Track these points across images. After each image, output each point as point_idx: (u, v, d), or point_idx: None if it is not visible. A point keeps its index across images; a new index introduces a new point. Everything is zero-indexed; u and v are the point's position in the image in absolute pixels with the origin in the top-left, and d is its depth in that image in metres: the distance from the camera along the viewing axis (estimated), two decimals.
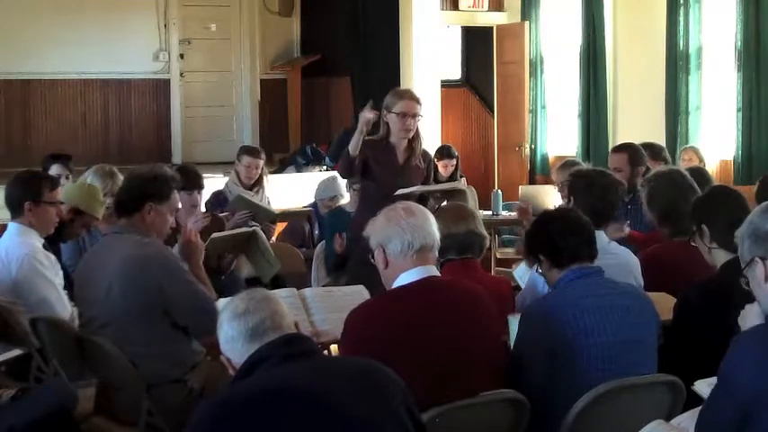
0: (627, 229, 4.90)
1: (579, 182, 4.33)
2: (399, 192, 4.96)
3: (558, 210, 3.79)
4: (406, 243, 3.02)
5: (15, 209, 4.44)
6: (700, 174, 5.37)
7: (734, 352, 2.19)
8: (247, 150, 6.95)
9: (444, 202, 5.32)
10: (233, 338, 2.45)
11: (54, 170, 6.18)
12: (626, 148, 5.79)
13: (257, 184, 6.86)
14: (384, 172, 5.06)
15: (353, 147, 4.96)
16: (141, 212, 3.88)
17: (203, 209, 5.84)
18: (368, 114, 4.95)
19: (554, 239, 3.35)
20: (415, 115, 5.03)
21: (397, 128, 5.01)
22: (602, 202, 4.16)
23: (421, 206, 3.22)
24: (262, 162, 6.87)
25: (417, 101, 5.08)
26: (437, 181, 8.67)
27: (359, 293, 3.93)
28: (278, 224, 6.98)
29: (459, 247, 3.79)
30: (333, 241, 5.93)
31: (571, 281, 3.29)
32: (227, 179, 7.01)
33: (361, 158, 5.01)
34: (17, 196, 4.44)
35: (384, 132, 5.09)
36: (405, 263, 3.04)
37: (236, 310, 2.46)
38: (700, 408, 2.50)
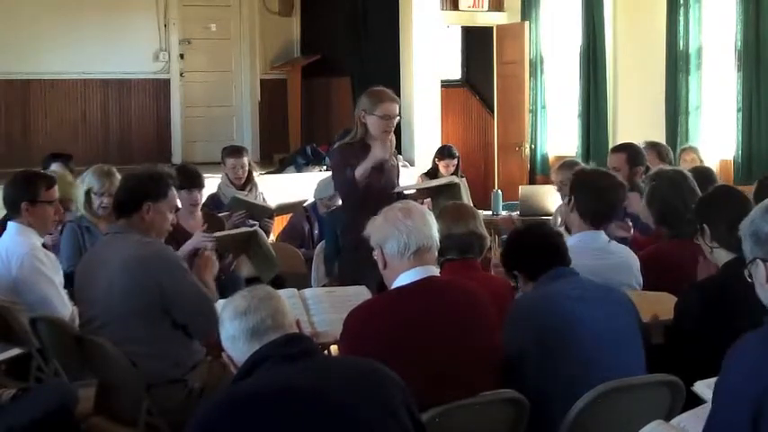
0: (632, 231, 4.90)
1: (581, 182, 4.32)
2: (397, 189, 4.98)
3: (527, 227, 3.83)
4: (403, 244, 3.02)
5: (13, 209, 4.45)
6: (706, 174, 5.37)
7: (734, 357, 2.18)
8: (229, 152, 6.95)
9: (428, 199, 5.33)
10: (234, 337, 2.45)
11: (54, 168, 6.18)
12: (625, 147, 5.78)
13: (249, 183, 6.87)
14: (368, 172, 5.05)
15: (360, 174, 4.89)
16: (140, 212, 3.88)
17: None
18: (380, 154, 4.90)
19: (526, 256, 3.45)
20: (396, 116, 5.04)
21: (379, 130, 4.99)
22: (602, 203, 4.14)
23: (420, 206, 3.21)
24: (246, 160, 6.89)
25: (397, 101, 5.08)
26: None
27: (360, 294, 3.93)
28: (276, 219, 6.98)
29: (459, 247, 3.79)
30: (332, 241, 5.92)
31: (549, 280, 3.34)
32: (220, 180, 7.02)
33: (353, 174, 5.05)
34: (14, 197, 4.45)
35: (361, 134, 5.06)
36: (402, 264, 3.05)
37: (237, 309, 2.46)
38: (699, 408, 2.50)
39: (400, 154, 5.85)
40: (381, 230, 3.08)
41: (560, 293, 3.27)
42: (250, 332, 2.42)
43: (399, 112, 5.11)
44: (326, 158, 10.49)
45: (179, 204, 4.16)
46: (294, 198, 7.18)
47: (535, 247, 3.44)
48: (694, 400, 2.72)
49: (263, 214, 6.52)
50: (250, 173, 6.93)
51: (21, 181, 4.53)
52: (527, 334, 3.20)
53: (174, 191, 4.03)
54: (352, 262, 4.97)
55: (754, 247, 2.24)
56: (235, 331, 2.45)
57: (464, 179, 8.86)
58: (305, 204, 7.01)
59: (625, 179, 5.45)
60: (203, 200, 6.03)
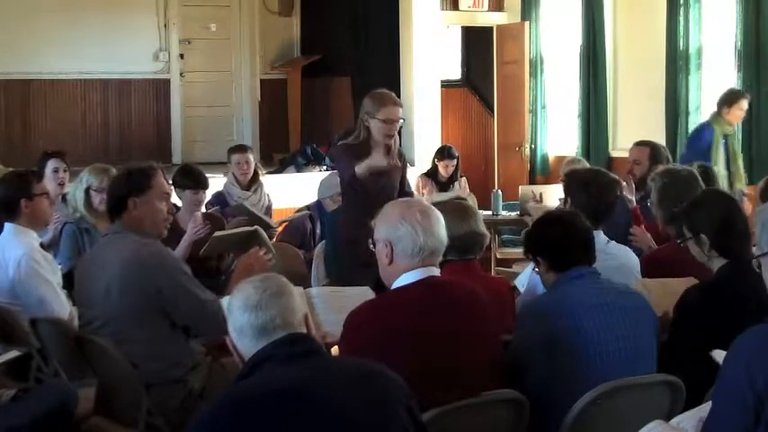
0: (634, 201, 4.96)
1: (576, 181, 4.29)
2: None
3: (561, 212, 3.77)
4: (418, 247, 2.98)
5: (11, 209, 4.45)
6: (707, 174, 5.38)
7: (736, 352, 2.18)
8: (234, 149, 7.12)
9: None
10: (241, 330, 2.43)
11: (51, 164, 6.18)
12: (649, 143, 5.88)
13: (254, 182, 6.89)
14: (367, 174, 5.04)
15: (360, 173, 4.87)
16: (127, 210, 3.87)
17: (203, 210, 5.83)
18: (379, 162, 4.87)
19: (554, 243, 3.36)
20: (398, 120, 5.03)
21: (382, 134, 4.98)
22: (599, 202, 4.12)
23: (436, 209, 3.13)
24: (251, 155, 6.98)
25: (400, 104, 5.07)
26: (437, 181, 8.69)
27: (366, 294, 3.91)
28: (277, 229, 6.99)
29: (460, 248, 3.77)
30: (332, 241, 5.91)
31: (568, 282, 3.29)
32: (226, 179, 7.04)
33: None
34: (11, 196, 4.46)
35: (364, 136, 5.05)
36: (410, 264, 3.01)
37: (248, 301, 2.43)
38: (699, 408, 2.50)
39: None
40: (396, 228, 3.01)
41: (574, 299, 3.21)
42: (258, 330, 2.40)
43: (403, 116, 5.10)
44: (326, 158, 10.51)
45: (167, 188, 4.08)
46: (294, 197, 7.21)
47: (565, 238, 3.34)
48: (694, 400, 2.72)
49: (264, 229, 6.51)
50: (256, 173, 6.98)
51: (13, 180, 4.56)
52: (536, 337, 3.18)
53: (159, 179, 3.96)
54: (348, 260, 4.97)
55: (765, 236, 2.23)
56: (243, 325, 2.42)
57: (464, 179, 8.89)
58: (309, 203, 7.02)
59: (643, 174, 5.48)
60: (208, 199, 6.06)
